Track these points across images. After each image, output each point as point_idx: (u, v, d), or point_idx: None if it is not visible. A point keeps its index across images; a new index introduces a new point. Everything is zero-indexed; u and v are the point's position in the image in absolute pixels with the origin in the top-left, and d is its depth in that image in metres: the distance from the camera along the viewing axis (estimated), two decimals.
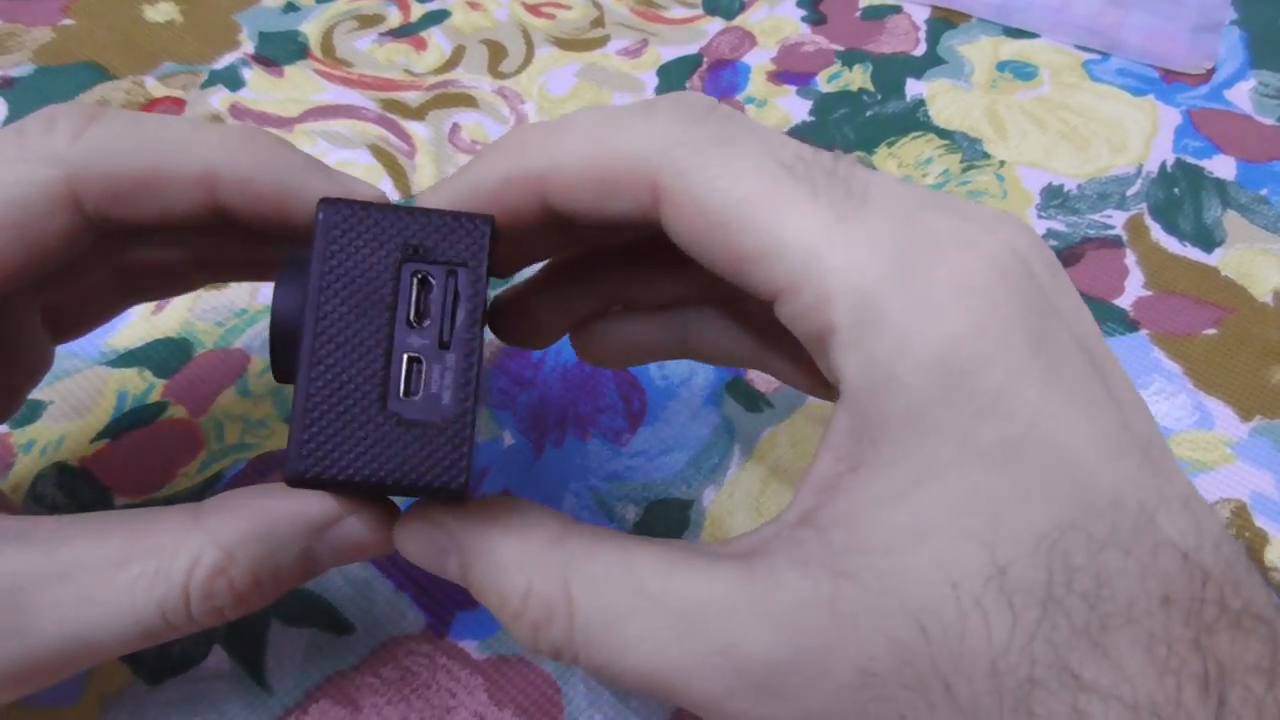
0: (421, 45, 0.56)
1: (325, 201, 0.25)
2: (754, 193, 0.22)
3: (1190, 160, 0.52)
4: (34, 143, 0.26)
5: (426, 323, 0.25)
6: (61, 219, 0.26)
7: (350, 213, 0.25)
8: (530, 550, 0.24)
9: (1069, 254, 0.47)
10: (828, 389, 0.26)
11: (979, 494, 0.20)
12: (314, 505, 0.26)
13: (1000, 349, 0.20)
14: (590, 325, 0.31)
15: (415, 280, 0.25)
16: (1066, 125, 0.53)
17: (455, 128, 0.52)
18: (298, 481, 0.24)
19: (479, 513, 0.25)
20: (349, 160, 0.49)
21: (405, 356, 0.25)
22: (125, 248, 0.32)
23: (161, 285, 0.34)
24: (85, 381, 0.40)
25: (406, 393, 0.25)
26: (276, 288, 0.26)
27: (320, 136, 0.50)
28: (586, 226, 0.25)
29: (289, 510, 0.26)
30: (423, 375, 0.25)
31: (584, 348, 0.31)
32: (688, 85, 0.55)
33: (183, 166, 0.26)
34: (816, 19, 0.59)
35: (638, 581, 0.23)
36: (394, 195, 0.48)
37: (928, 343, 0.20)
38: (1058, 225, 0.48)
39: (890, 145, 0.52)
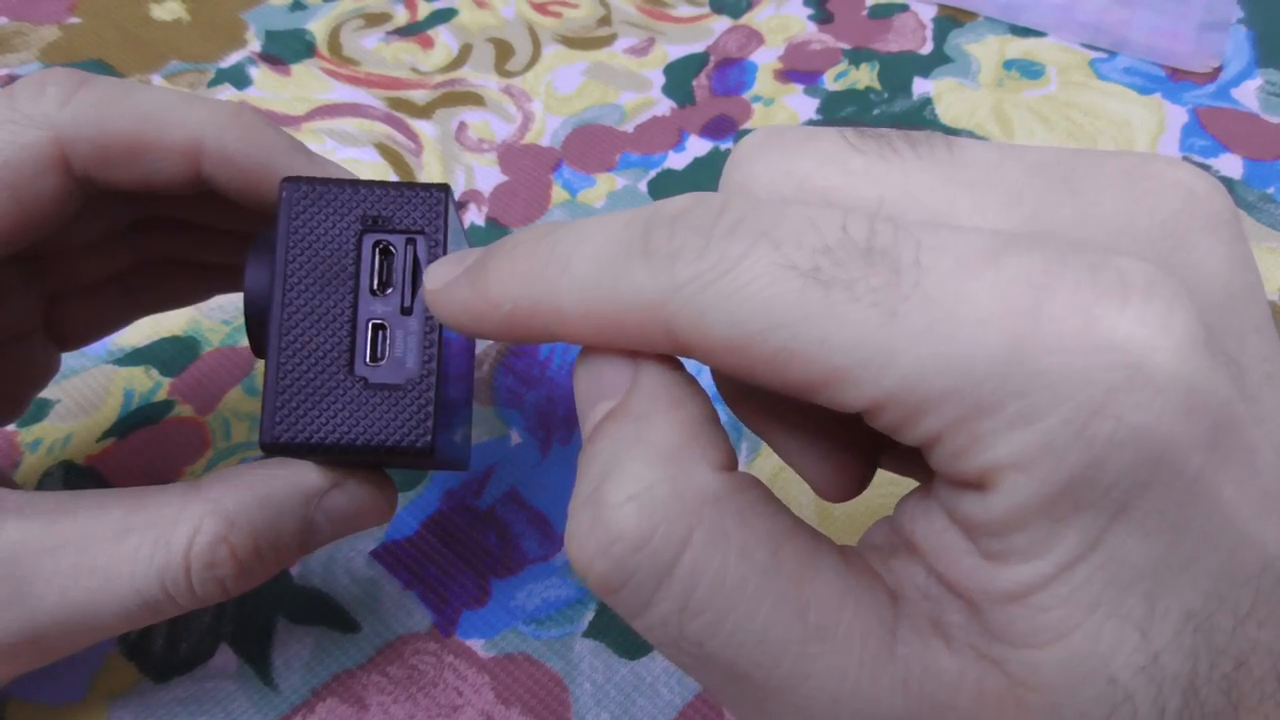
0: (428, 44, 0.56)
1: (287, 180, 0.26)
2: (782, 320, 0.17)
3: (1197, 159, 0.51)
4: (25, 105, 0.27)
5: (389, 290, 0.26)
6: (51, 180, 0.27)
7: (311, 189, 0.26)
8: (670, 446, 0.20)
9: None
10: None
11: (1135, 569, 0.17)
12: (312, 473, 0.27)
13: (1165, 414, 0.16)
14: None
15: (376, 250, 0.26)
16: (1073, 124, 0.53)
17: (462, 126, 0.52)
18: (272, 448, 0.25)
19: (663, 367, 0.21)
20: (355, 158, 0.49)
21: (370, 323, 0.26)
22: (133, 247, 0.32)
23: (166, 298, 0.34)
24: (92, 380, 0.40)
25: (373, 358, 0.26)
26: (247, 267, 0.27)
27: (327, 135, 0.50)
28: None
29: (286, 477, 0.27)
30: (387, 341, 0.26)
31: None
32: (694, 84, 0.55)
33: (169, 134, 0.27)
34: (823, 17, 0.59)
35: (778, 566, 0.19)
36: None
37: (1060, 420, 0.16)
38: None
39: None
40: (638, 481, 0.19)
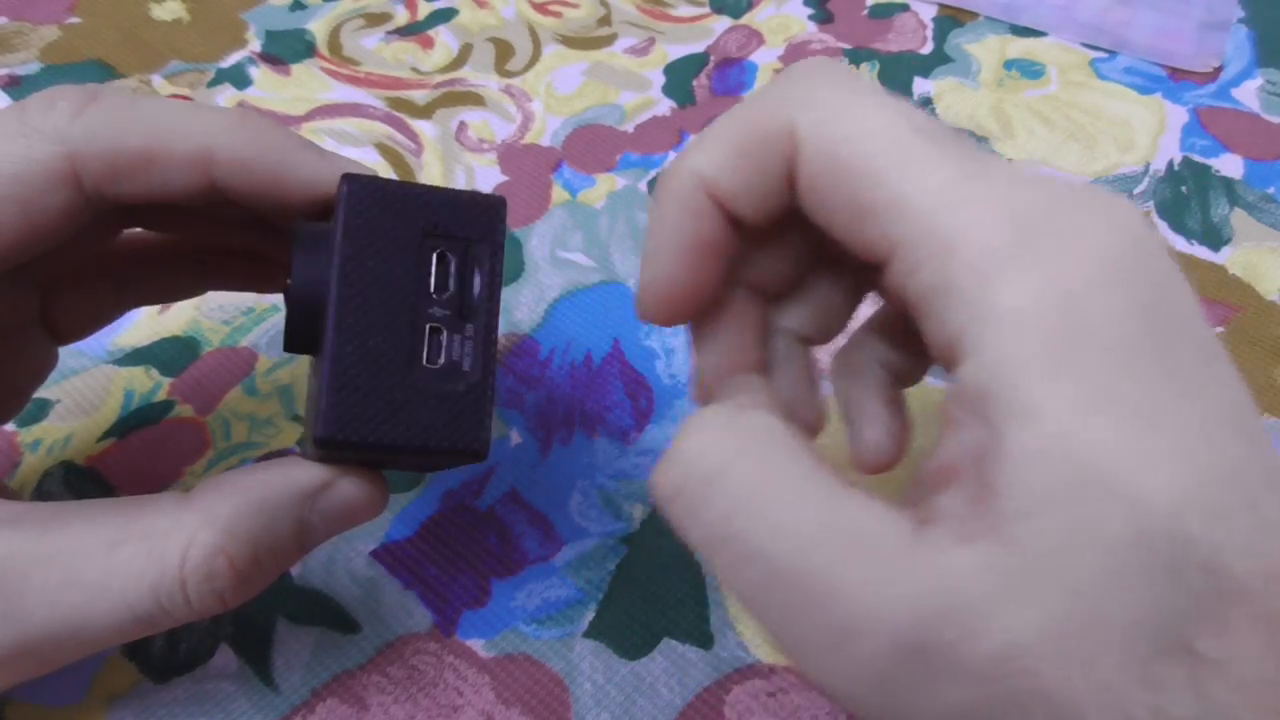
0: (428, 44, 0.56)
1: (349, 177, 0.26)
2: (885, 147, 0.22)
3: (1197, 159, 0.51)
4: (35, 120, 0.26)
5: (446, 295, 0.26)
6: (62, 195, 0.26)
7: (374, 188, 0.26)
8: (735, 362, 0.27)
9: None
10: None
11: (1113, 448, 0.19)
12: (303, 472, 0.27)
13: (1119, 311, 0.20)
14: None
15: (435, 254, 0.26)
16: (1074, 123, 0.53)
17: (462, 126, 0.52)
18: (328, 443, 0.25)
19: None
20: (356, 159, 0.49)
21: (428, 326, 0.26)
22: (128, 254, 0.32)
23: (160, 291, 0.34)
24: (92, 380, 0.40)
25: (429, 360, 0.26)
26: (295, 258, 0.27)
27: (327, 135, 0.50)
28: (751, 222, 0.25)
29: (279, 480, 0.26)
30: (443, 344, 0.26)
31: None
32: (694, 84, 0.55)
33: (180, 145, 0.27)
34: (824, 17, 0.59)
35: (808, 485, 0.22)
36: None
37: (1048, 296, 0.20)
38: None
39: None
40: (701, 422, 0.23)
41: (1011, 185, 0.21)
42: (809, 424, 0.28)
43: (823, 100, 0.23)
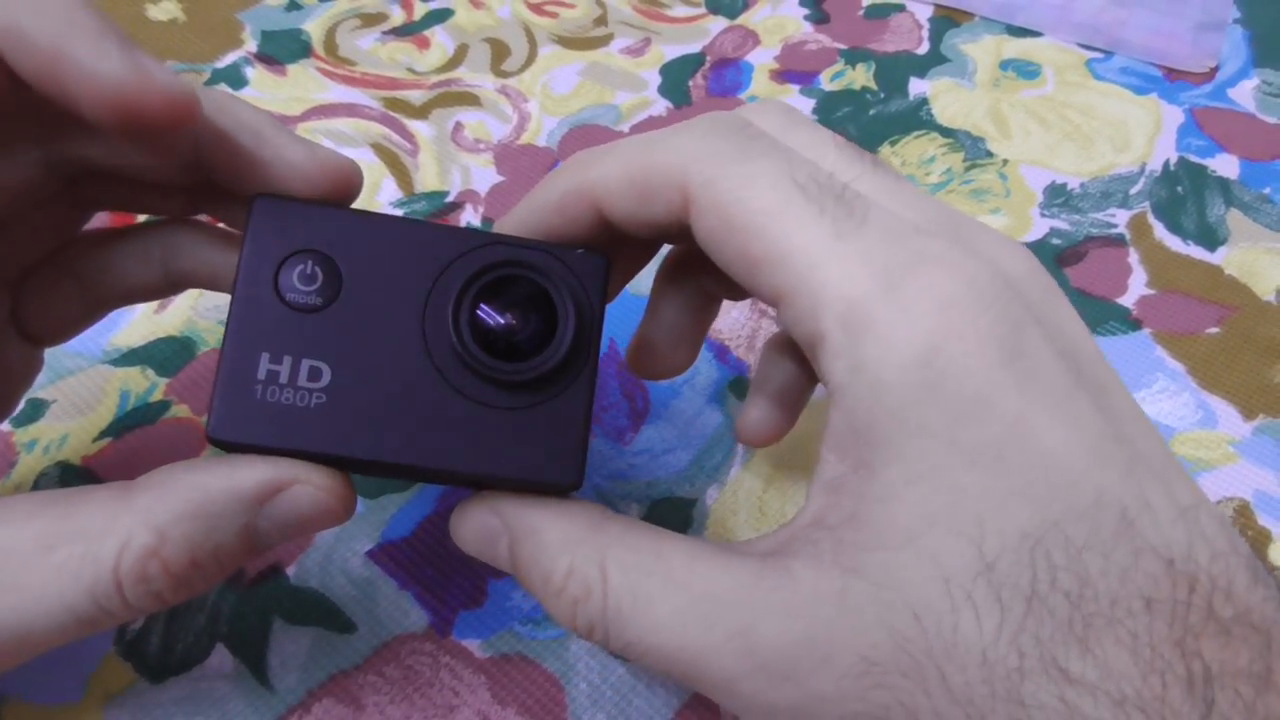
0: (424, 44, 0.56)
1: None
2: (768, 205, 0.24)
3: (1193, 159, 0.51)
4: None
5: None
6: None
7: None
8: (573, 533, 0.26)
9: (1072, 253, 0.47)
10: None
11: (965, 493, 0.21)
12: (248, 478, 0.25)
13: (976, 357, 0.22)
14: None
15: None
16: (1070, 124, 0.53)
17: (458, 126, 0.52)
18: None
19: (528, 500, 0.27)
20: (352, 159, 0.49)
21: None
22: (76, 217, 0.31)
23: (126, 291, 0.32)
24: (88, 380, 0.40)
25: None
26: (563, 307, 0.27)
27: (323, 135, 0.50)
28: (632, 232, 0.27)
29: (221, 485, 0.25)
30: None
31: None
32: (690, 84, 0.55)
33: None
34: (819, 18, 0.59)
35: (666, 567, 0.24)
36: (396, 194, 0.48)
37: (909, 348, 0.22)
38: (1061, 224, 0.48)
39: (893, 144, 0.52)
40: (557, 567, 0.25)
41: (881, 240, 0.23)
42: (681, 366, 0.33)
43: (716, 156, 0.25)
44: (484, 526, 0.27)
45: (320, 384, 0.25)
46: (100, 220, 0.33)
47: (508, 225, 0.29)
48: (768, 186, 0.24)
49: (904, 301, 0.22)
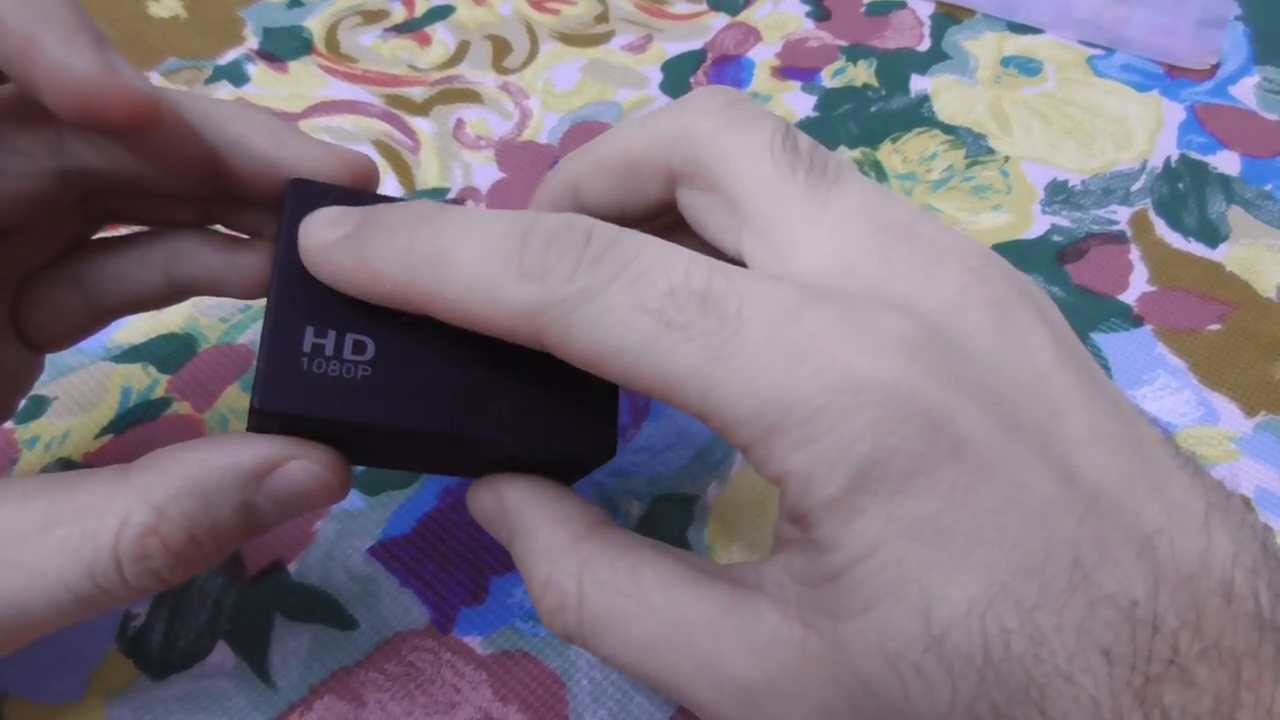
0: (426, 41, 0.56)
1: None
2: (632, 347, 0.23)
3: (1195, 156, 0.51)
4: None
5: None
6: None
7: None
8: (555, 543, 0.26)
9: (1073, 249, 0.47)
10: None
11: (908, 567, 0.21)
12: (246, 454, 0.25)
13: (903, 436, 0.21)
14: None
15: None
16: (1071, 120, 0.53)
17: (460, 123, 0.52)
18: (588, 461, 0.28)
19: (531, 491, 0.28)
20: None
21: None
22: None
23: (130, 301, 0.32)
24: (89, 377, 0.40)
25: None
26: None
27: (324, 132, 0.50)
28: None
29: (220, 461, 0.25)
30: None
31: None
32: (692, 81, 0.55)
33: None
34: (821, 14, 0.59)
35: (642, 591, 0.25)
36: (398, 190, 0.48)
37: (826, 442, 0.21)
38: (1062, 220, 0.48)
39: (895, 141, 0.52)
40: (537, 576, 0.26)
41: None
42: None
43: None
44: (491, 509, 0.28)
45: (365, 357, 0.26)
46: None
47: None
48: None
49: (808, 393, 0.21)
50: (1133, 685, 0.20)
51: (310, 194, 0.27)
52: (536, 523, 0.27)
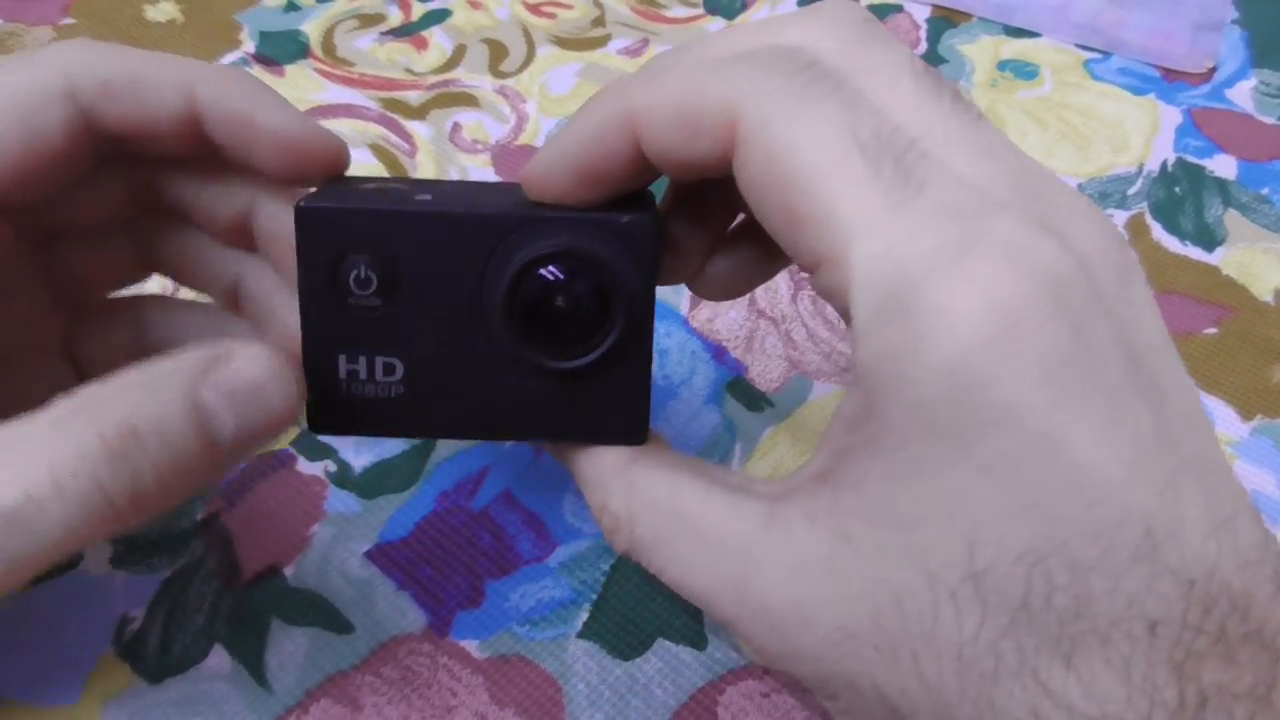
0: (422, 44, 0.56)
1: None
2: (821, 160, 0.22)
3: (1191, 159, 0.52)
4: (36, 55, 0.28)
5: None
6: (59, 110, 0.27)
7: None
8: (604, 471, 0.27)
9: None
10: None
11: (970, 500, 0.20)
12: (191, 350, 0.25)
13: (1014, 367, 0.20)
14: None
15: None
16: (1067, 124, 0.53)
17: (456, 127, 0.52)
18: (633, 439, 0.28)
19: None
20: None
21: None
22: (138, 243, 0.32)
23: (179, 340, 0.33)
24: None
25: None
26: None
27: None
28: (669, 171, 0.26)
29: (163, 360, 0.25)
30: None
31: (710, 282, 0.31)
32: None
33: (166, 70, 0.28)
34: None
35: (681, 507, 0.25)
36: None
37: (939, 352, 0.20)
38: None
39: None
40: (593, 502, 0.28)
41: (936, 215, 0.21)
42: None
43: (774, 94, 0.23)
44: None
45: (395, 377, 0.27)
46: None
47: (542, 162, 0.26)
48: (825, 139, 0.22)
49: (944, 297, 0.20)
50: (1173, 659, 0.20)
51: (318, 219, 0.26)
52: (584, 456, 0.28)
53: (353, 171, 0.31)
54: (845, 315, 0.23)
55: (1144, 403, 0.21)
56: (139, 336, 0.32)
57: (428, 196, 0.27)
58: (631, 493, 0.26)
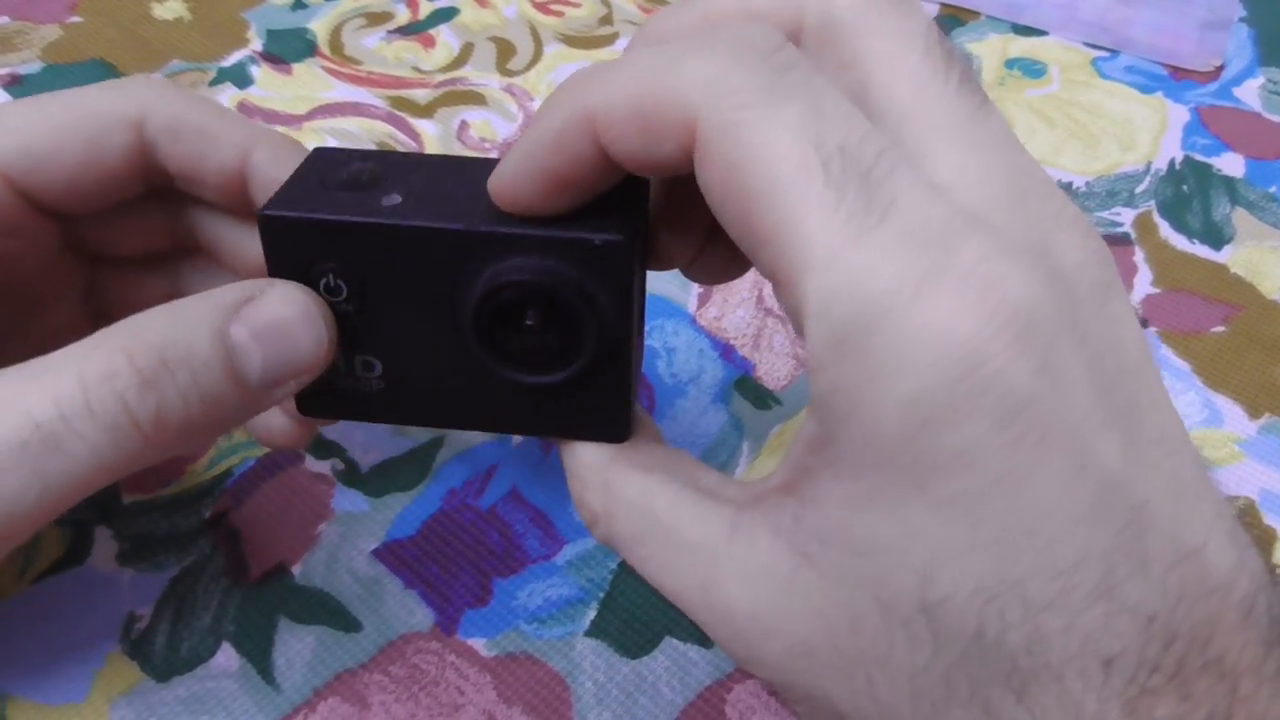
0: (430, 43, 0.56)
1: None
2: (783, 175, 0.20)
3: (1199, 157, 0.51)
4: (123, 82, 0.31)
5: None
6: (123, 135, 0.29)
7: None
8: (585, 468, 0.27)
9: None
10: None
11: (924, 535, 0.20)
12: (226, 288, 0.25)
13: (972, 409, 0.19)
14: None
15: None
16: (1075, 123, 0.53)
17: (463, 125, 0.52)
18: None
19: None
20: None
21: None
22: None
23: None
24: None
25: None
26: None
27: (328, 134, 0.50)
28: (637, 172, 0.24)
29: (196, 296, 0.25)
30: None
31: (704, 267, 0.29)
32: None
33: (230, 126, 0.30)
34: None
35: (652, 509, 0.25)
36: None
37: (895, 392, 0.19)
38: None
39: None
40: (574, 493, 0.28)
41: (900, 244, 0.20)
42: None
43: (735, 94, 0.21)
44: None
45: (375, 374, 0.28)
46: None
47: (506, 171, 0.24)
48: (786, 151, 0.20)
49: (901, 337, 0.19)
50: (1125, 696, 0.19)
51: (281, 227, 0.26)
52: (571, 449, 0.28)
53: None
54: (801, 335, 0.21)
55: (1114, 432, 0.20)
56: (173, 290, 0.34)
57: (397, 198, 0.26)
58: (608, 491, 0.27)
